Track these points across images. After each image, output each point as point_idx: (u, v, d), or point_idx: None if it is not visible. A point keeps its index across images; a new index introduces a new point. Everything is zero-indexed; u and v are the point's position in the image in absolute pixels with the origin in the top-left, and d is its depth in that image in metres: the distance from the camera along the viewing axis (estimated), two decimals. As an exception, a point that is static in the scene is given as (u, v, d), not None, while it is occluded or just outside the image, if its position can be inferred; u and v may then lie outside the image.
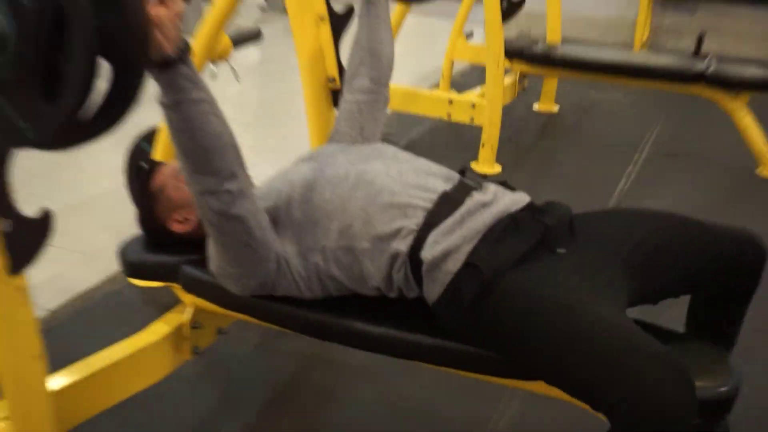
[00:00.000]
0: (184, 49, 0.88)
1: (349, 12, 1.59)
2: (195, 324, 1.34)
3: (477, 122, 2.72)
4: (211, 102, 0.95)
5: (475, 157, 2.73)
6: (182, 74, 0.88)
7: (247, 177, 1.04)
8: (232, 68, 1.92)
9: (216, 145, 0.96)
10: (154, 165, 1.34)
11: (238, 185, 1.01)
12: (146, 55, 0.78)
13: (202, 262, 1.16)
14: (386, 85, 1.41)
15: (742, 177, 2.81)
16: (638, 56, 3.40)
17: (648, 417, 0.85)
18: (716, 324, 1.26)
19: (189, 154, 0.96)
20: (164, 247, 1.29)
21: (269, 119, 3.49)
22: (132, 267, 1.31)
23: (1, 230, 0.92)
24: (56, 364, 1.24)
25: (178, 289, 1.31)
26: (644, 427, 0.85)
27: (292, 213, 1.13)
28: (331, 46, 1.55)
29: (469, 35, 3.69)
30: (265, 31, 2.65)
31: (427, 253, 1.03)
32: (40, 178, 2.46)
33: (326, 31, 1.54)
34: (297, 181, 1.16)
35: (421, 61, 4.16)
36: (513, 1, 2.96)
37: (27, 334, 1.00)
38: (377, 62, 1.38)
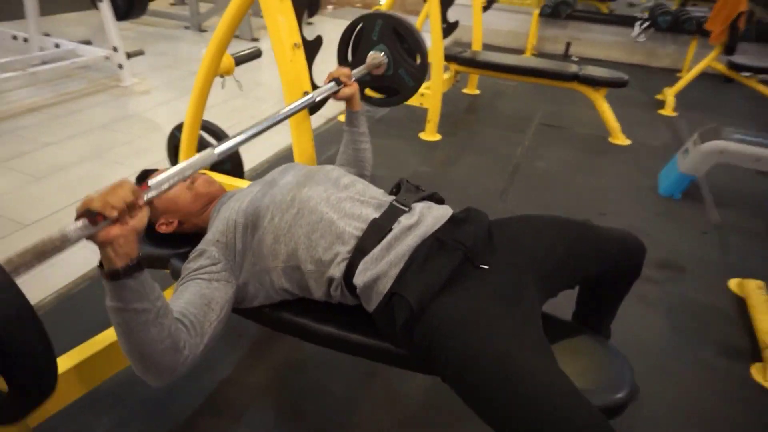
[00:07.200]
0: (134, 265, 0.80)
1: (318, 40, 1.68)
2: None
3: (425, 106, 3.36)
4: (155, 312, 0.85)
5: (423, 129, 3.44)
6: (128, 287, 0.80)
7: (195, 355, 0.95)
8: (237, 81, 2.06)
9: (150, 350, 0.87)
10: (146, 174, 1.32)
11: (177, 374, 0.93)
12: None
13: (186, 255, 1.14)
14: (368, 175, 1.50)
15: (599, 143, 3.54)
16: (534, 61, 3.93)
17: None
18: (600, 312, 1.32)
19: (126, 353, 0.88)
20: (160, 240, 1.31)
21: (254, 105, 3.81)
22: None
23: None
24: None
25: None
26: None
27: (245, 239, 1.12)
28: (305, 67, 1.60)
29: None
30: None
31: (359, 279, 1.03)
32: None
33: (300, 55, 1.59)
34: (249, 209, 1.14)
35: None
36: (450, 23, 3.58)
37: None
38: (362, 166, 1.49)
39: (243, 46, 2.07)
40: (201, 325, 0.98)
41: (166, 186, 0.89)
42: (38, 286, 1.86)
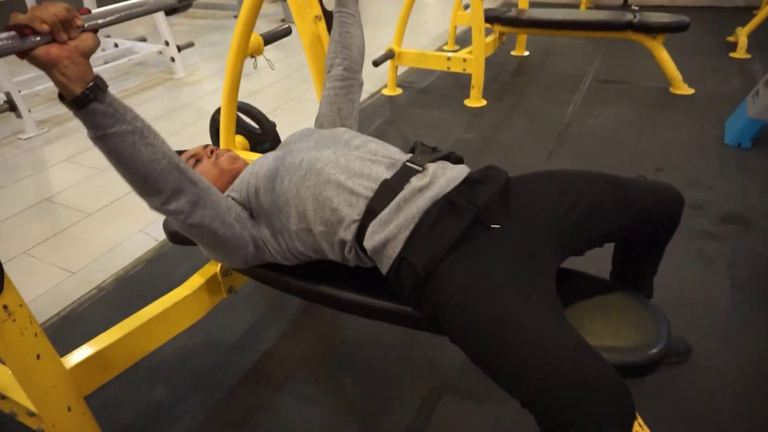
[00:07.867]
0: (94, 87, 0.77)
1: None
2: (226, 272, 1.48)
3: (468, 71, 3.30)
4: (139, 131, 0.84)
5: (468, 96, 3.35)
6: (98, 112, 0.79)
7: (203, 187, 0.99)
8: (267, 60, 2.04)
9: (149, 170, 0.87)
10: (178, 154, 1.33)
11: (186, 200, 0.95)
12: None
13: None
14: (358, 71, 1.40)
15: (659, 95, 3.34)
16: (582, 14, 3.75)
17: None
18: (637, 269, 1.26)
19: (127, 179, 0.89)
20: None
21: (299, 87, 4.10)
22: (171, 235, 1.47)
23: None
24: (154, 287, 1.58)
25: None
26: None
27: (260, 200, 1.13)
28: (327, 37, 1.60)
29: (466, 7, 4.09)
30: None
31: (368, 243, 1.02)
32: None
33: (322, 26, 1.61)
34: (261, 172, 1.15)
35: (436, 27, 4.98)
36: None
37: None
38: (349, 53, 1.37)
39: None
40: (217, 195, 1.04)
41: (111, 17, 0.83)
42: (101, 269, 2.01)
